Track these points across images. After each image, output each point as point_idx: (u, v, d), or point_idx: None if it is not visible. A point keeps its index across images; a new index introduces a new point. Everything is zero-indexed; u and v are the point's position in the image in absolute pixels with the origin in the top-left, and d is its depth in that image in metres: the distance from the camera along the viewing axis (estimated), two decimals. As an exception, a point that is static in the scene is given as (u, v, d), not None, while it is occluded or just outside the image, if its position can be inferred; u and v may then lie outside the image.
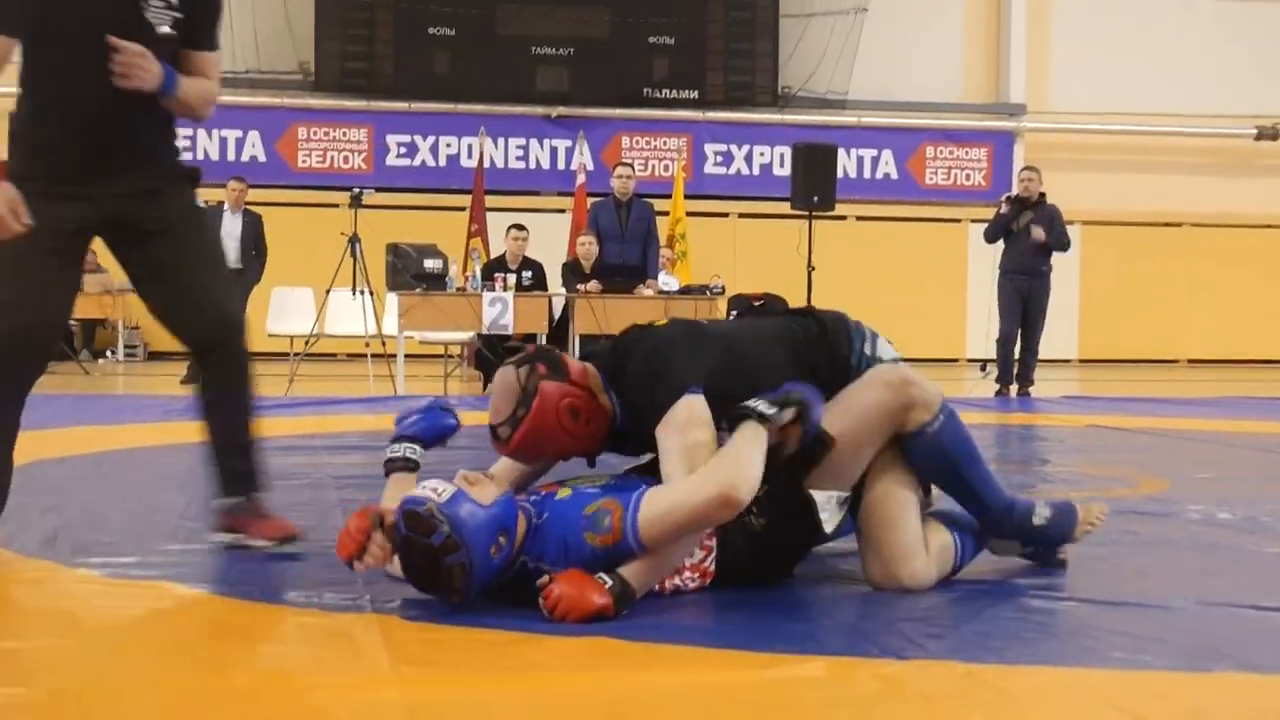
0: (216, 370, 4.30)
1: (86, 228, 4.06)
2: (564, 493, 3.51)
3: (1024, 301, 11.82)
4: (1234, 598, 3.63)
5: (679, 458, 3.43)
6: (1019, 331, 11.88)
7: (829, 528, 3.57)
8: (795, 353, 3.78)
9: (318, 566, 3.88)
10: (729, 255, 16.66)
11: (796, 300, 12.86)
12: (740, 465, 3.31)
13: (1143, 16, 18.19)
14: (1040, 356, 12.12)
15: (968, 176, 18.19)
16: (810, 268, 12.50)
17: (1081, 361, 17.96)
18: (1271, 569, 4.15)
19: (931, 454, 3.68)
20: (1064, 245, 11.92)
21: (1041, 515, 3.83)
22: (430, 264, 11.55)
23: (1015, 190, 12.23)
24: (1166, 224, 18.40)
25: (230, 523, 4.24)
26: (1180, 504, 5.22)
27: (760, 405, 3.40)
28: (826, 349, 3.81)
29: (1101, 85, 17.91)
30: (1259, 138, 18.65)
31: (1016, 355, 11.93)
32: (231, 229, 12.53)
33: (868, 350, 3.83)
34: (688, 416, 3.47)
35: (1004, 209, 11.98)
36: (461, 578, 3.28)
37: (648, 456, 3.71)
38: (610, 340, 3.85)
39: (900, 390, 3.62)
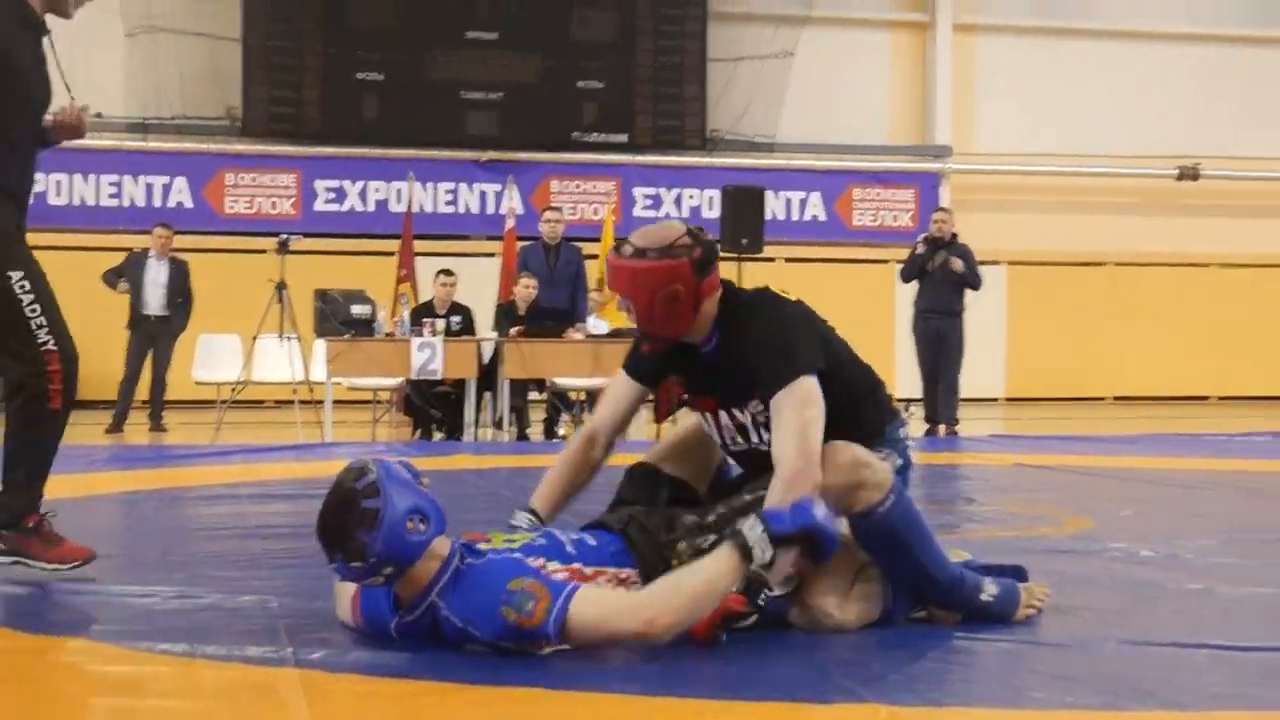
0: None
1: None
2: (486, 545, 3.50)
3: (939, 340, 11.95)
4: (1156, 636, 3.67)
5: (794, 431, 3.60)
6: (938, 370, 12.01)
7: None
8: (863, 395, 3.92)
9: (239, 618, 3.83)
10: (659, 298, 16.71)
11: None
12: (680, 604, 3.30)
13: (1065, 60, 18.44)
14: (968, 395, 12.23)
15: (895, 218, 18.34)
16: (739, 310, 12.55)
17: (1008, 400, 18.11)
18: (1192, 606, 4.19)
19: (880, 534, 3.68)
20: (976, 284, 12.06)
21: (989, 593, 3.82)
22: (358, 310, 11.50)
23: (929, 231, 12.38)
24: (1091, 263, 18.62)
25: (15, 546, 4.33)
26: (1103, 542, 5.27)
27: (757, 541, 3.35)
28: (874, 409, 3.94)
29: (1026, 127, 18.13)
30: (1180, 178, 18.93)
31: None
32: (157, 276, 12.49)
33: (900, 434, 3.97)
34: (805, 394, 3.66)
35: (919, 249, 12.14)
36: (370, 526, 3.26)
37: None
38: (731, 285, 3.92)
39: (851, 471, 3.63)
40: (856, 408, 3.84)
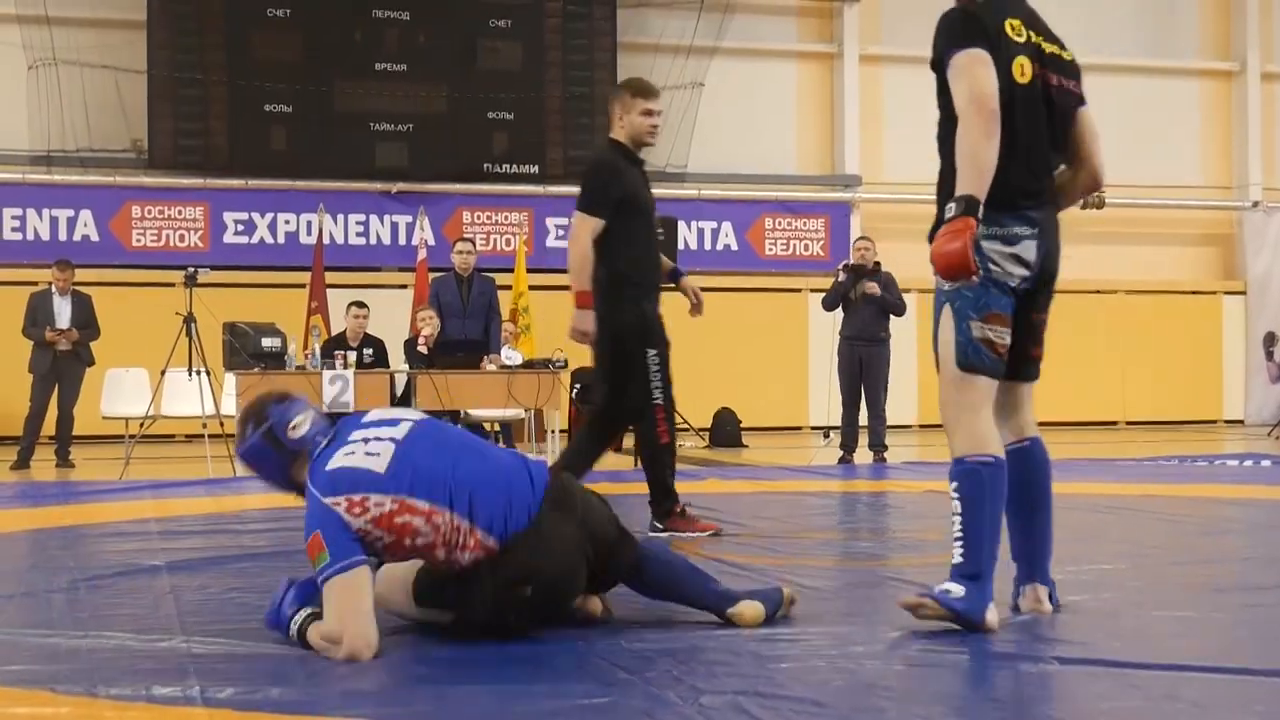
0: None
1: None
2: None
3: (863, 368, 11.99)
4: (1062, 654, 3.71)
5: None
6: (860, 398, 12.05)
7: None
8: None
9: (145, 657, 3.77)
10: (572, 328, 16.70)
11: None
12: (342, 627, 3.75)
13: (970, 89, 18.67)
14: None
15: (806, 247, 18.48)
16: (652, 339, 12.55)
17: (922, 427, 18.26)
18: (1099, 628, 4.22)
19: None
20: (900, 309, 12.14)
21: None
22: (268, 343, 11.40)
23: (851, 259, 12.44)
24: (999, 290, 18.84)
25: None
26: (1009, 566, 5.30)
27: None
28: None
29: (933, 157, 18.28)
30: (1084, 206, 18.97)
31: (863, 422, 12.08)
32: (61, 311, 12.34)
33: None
34: None
35: (841, 277, 12.17)
36: (264, 417, 4.04)
37: None
38: None
39: None
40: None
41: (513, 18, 17.53)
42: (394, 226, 17.28)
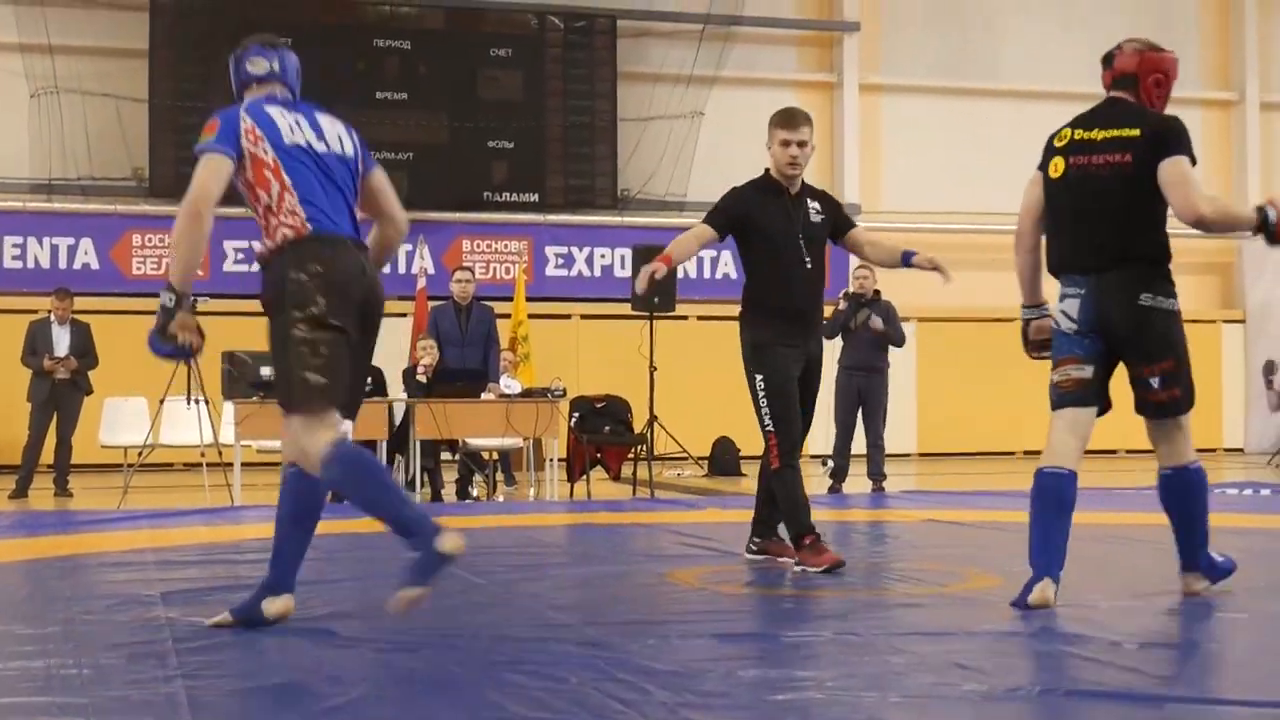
0: None
1: None
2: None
3: (861, 397, 11.98)
4: (1066, 686, 3.69)
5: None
6: (854, 428, 12.03)
7: None
8: None
9: (139, 688, 3.76)
10: (572, 356, 16.70)
11: (640, 400, 12.93)
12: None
13: (969, 119, 18.75)
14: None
15: (806, 275, 18.48)
16: (652, 368, 12.55)
17: (921, 455, 18.26)
18: (1100, 660, 4.21)
19: None
20: (899, 340, 12.14)
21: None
22: (267, 372, 11.34)
23: (850, 287, 12.44)
24: (999, 319, 18.81)
25: None
26: (1008, 597, 5.30)
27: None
28: None
29: (932, 185, 18.39)
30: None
31: (861, 450, 12.05)
32: (60, 340, 12.36)
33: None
34: None
35: (841, 306, 12.17)
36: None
37: None
38: None
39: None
40: None
41: (513, 47, 17.60)
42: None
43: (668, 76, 18.05)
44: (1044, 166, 5.39)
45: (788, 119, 6.87)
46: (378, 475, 4.59)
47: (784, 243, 6.72)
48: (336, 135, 4.99)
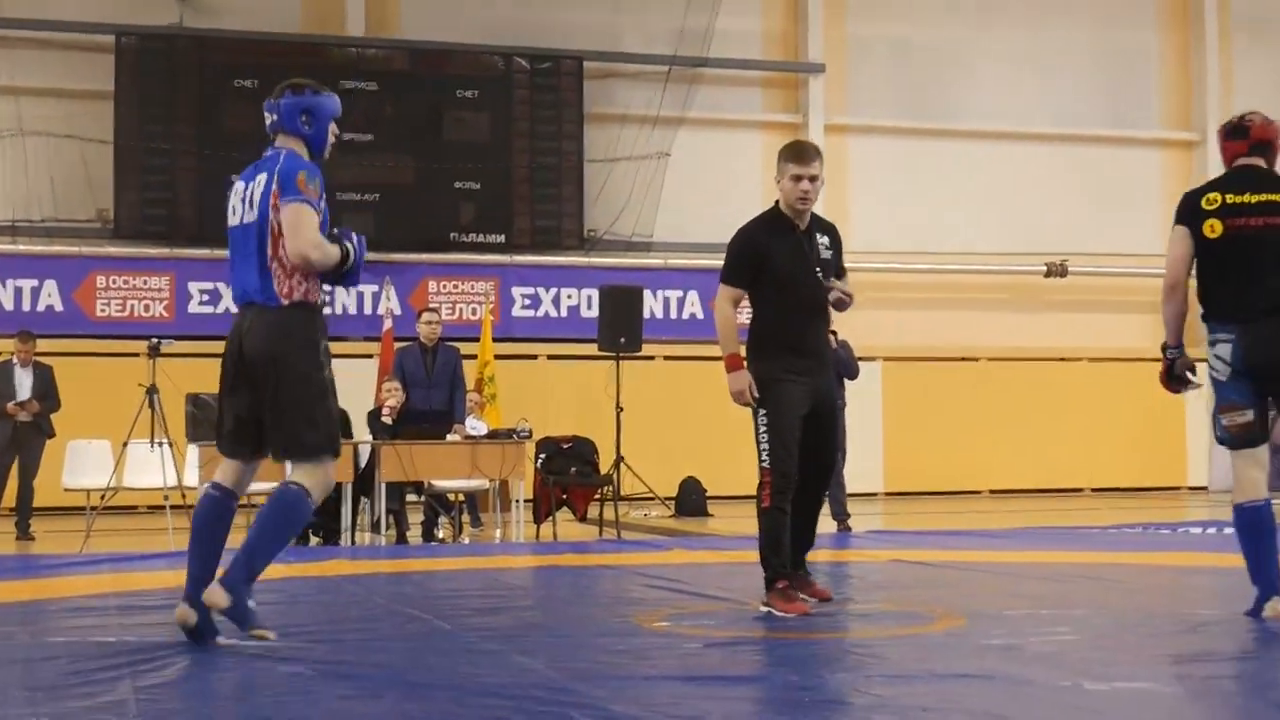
0: None
1: None
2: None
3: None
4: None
5: None
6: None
7: None
8: None
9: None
10: (539, 397, 16.66)
11: (607, 440, 12.92)
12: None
13: (934, 159, 18.87)
14: (847, 491, 12.26)
15: (772, 315, 18.52)
16: (619, 408, 12.56)
17: (887, 494, 18.28)
18: (1063, 702, 4.22)
19: None
20: (853, 373, 12.18)
21: None
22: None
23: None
24: (964, 358, 18.94)
25: None
26: (974, 638, 5.29)
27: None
28: None
29: (897, 225, 18.48)
30: (1048, 274, 19.38)
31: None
32: (22, 383, 12.30)
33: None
34: None
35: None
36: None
37: None
38: None
39: None
40: None
41: (479, 88, 17.64)
42: (359, 296, 17.27)
43: (634, 117, 18.12)
44: (1192, 224, 5.87)
45: (799, 153, 6.72)
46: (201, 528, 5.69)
47: (798, 280, 6.63)
48: (245, 200, 5.87)
